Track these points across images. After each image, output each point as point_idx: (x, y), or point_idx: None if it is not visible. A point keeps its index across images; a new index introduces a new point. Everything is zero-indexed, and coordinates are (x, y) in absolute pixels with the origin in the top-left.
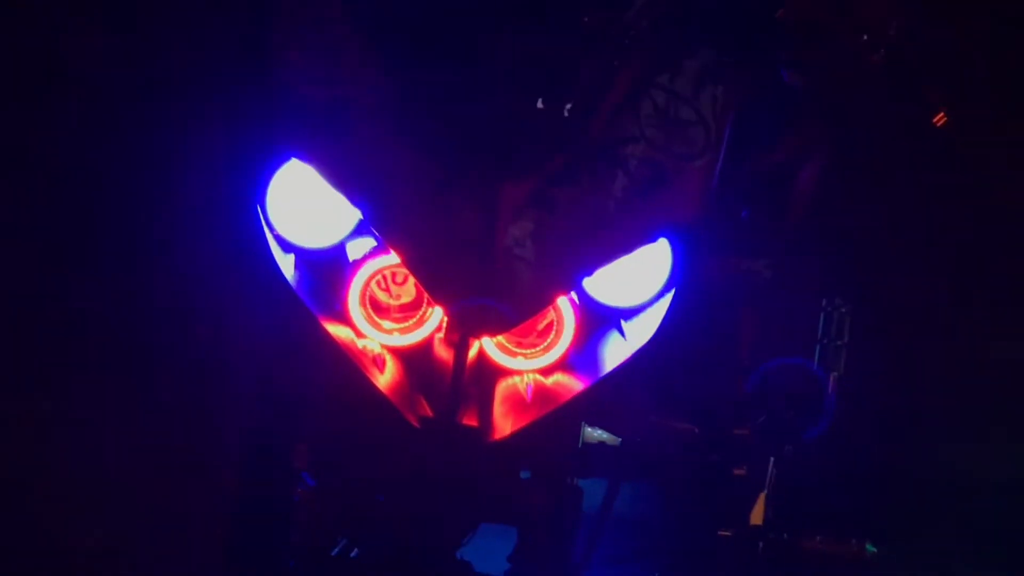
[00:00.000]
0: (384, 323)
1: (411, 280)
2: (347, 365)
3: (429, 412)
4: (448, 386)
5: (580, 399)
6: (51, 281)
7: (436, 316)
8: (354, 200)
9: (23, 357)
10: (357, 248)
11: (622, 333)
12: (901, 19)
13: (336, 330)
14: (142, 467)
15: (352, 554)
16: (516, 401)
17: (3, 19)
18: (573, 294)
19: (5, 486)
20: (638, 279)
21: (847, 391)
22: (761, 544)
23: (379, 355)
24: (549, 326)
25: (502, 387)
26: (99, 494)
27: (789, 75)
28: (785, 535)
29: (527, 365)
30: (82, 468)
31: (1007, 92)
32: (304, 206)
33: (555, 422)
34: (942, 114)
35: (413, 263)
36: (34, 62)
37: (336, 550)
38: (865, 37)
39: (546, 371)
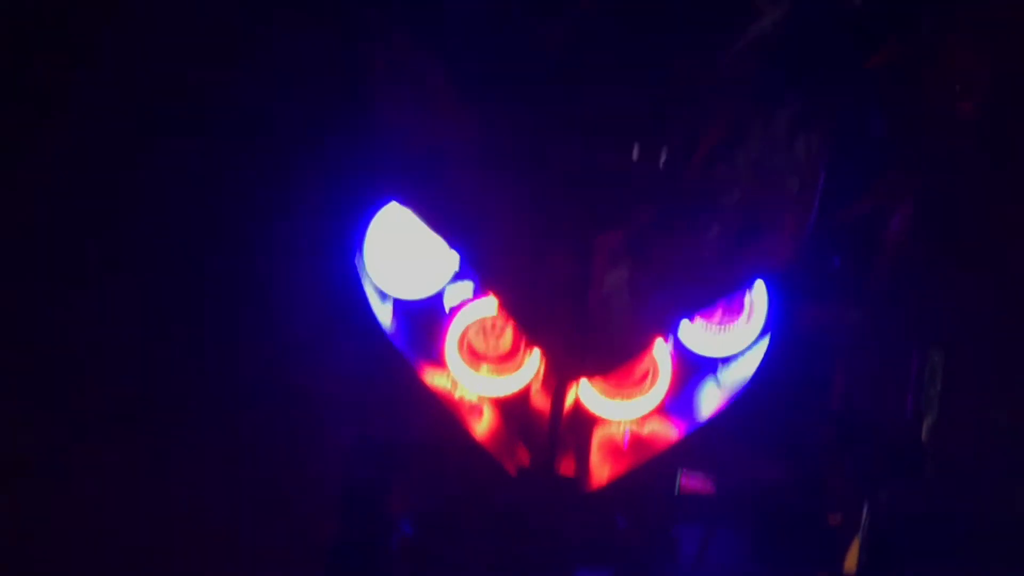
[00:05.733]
0: (482, 371)
1: (508, 330)
2: (444, 414)
3: (526, 461)
4: (545, 434)
5: (676, 447)
6: (151, 327)
7: (533, 364)
8: (453, 244)
9: (115, 402)
10: (454, 296)
11: (718, 381)
12: (992, 70)
13: (433, 379)
14: (240, 517)
15: None
16: (612, 449)
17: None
18: (670, 342)
19: (100, 535)
20: (733, 328)
21: (940, 438)
22: None
23: (476, 404)
24: (645, 374)
25: (598, 436)
26: (196, 544)
27: (878, 124)
28: None
29: (624, 414)
30: (177, 519)
31: None
32: (401, 255)
33: (651, 470)
34: None
35: (511, 307)
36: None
37: None
38: (956, 87)
39: (642, 420)
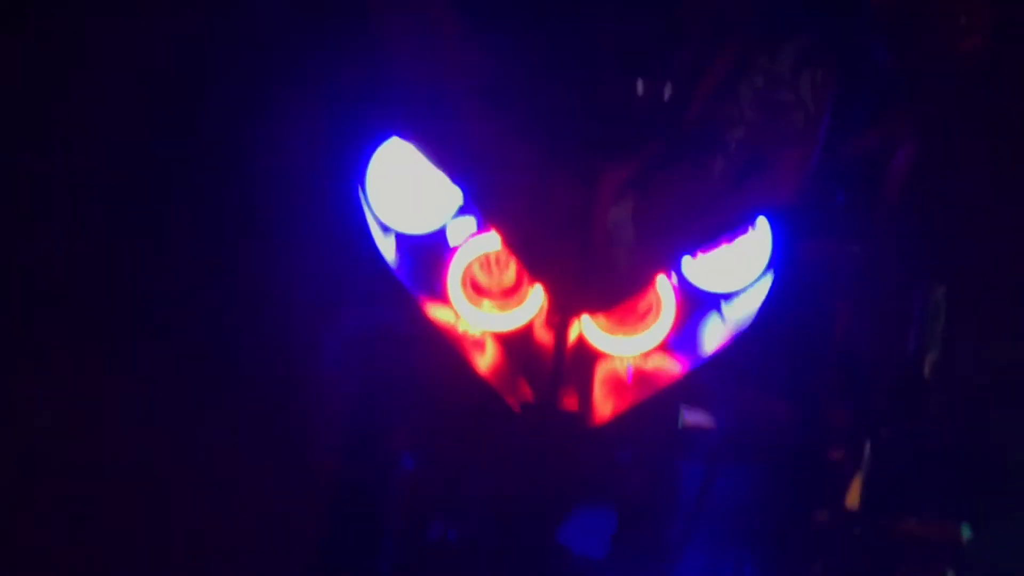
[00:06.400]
0: (484, 306)
1: (511, 264)
2: (447, 348)
3: (530, 396)
4: (549, 369)
5: (680, 383)
6: (150, 264)
7: (536, 298)
8: (456, 179)
9: (112, 336)
10: (457, 231)
11: (721, 316)
12: (996, 6)
13: (437, 313)
14: (242, 449)
15: (450, 536)
16: (616, 385)
17: None
18: (673, 278)
19: (100, 474)
20: (738, 263)
21: (944, 373)
22: (857, 528)
23: (480, 339)
24: (648, 309)
25: (602, 371)
26: (197, 480)
27: (884, 58)
28: (881, 518)
29: (627, 349)
30: (181, 453)
31: None
32: (404, 189)
33: (654, 406)
34: None
35: (514, 242)
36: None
37: (434, 532)
38: (962, 20)
39: (645, 355)
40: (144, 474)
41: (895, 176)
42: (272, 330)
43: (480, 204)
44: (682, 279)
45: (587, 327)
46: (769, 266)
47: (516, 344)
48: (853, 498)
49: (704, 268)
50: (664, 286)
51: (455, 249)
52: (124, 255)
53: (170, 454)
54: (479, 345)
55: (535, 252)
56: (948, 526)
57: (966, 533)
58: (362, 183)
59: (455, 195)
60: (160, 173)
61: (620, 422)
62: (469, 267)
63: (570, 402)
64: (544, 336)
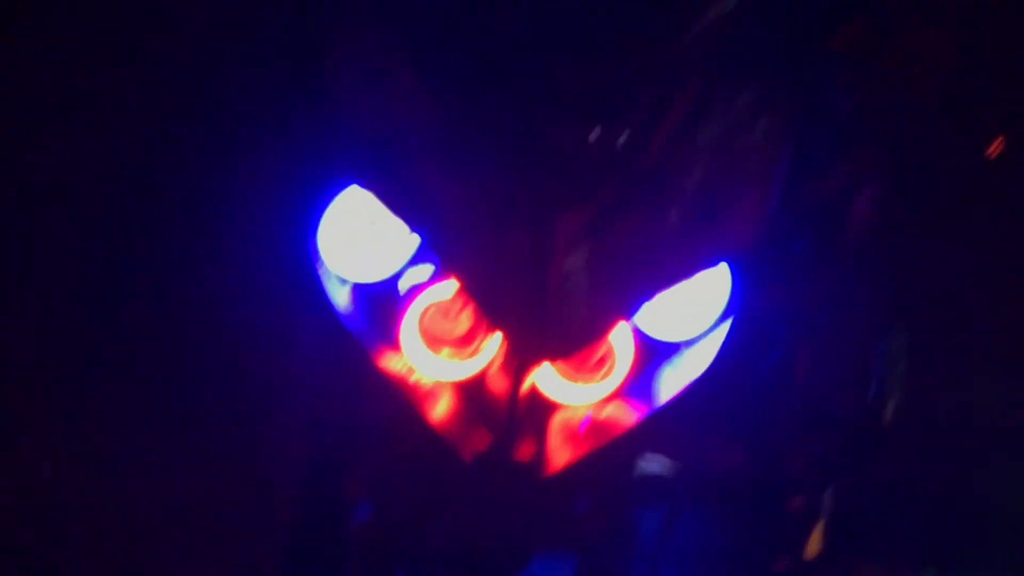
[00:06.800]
0: (439, 355)
1: (466, 312)
2: (400, 398)
3: (483, 446)
4: (503, 419)
5: (635, 430)
6: (107, 303)
7: (491, 347)
8: (413, 226)
9: (64, 386)
10: (411, 279)
11: (679, 363)
12: (955, 49)
13: (390, 363)
14: (192, 504)
15: None
16: (571, 434)
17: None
18: (630, 326)
19: (59, 512)
20: (695, 309)
21: (905, 421)
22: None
23: (433, 388)
24: (604, 358)
25: (557, 421)
26: (147, 531)
27: (844, 101)
28: (841, 566)
29: (582, 398)
30: (133, 502)
31: None
32: (360, 236)
33: (610, 454)
34: (998, 143)
35: (472, 289)
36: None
37: None
38: (919, 65)
39: (601, 404)
40: (99, 513)
41: (856, 222)
42: (221, 383)
43: (438, 251)
44: (637, 330)
45: (542, 376)
46: (727, 312)
47: (470, 393)
48: (814, 547)
49: (661, 317)
50: (621, 334)
51: (409, 298)
52: (81, 289)
53: (126, 498)
54: (432, 395)
55: (493, 299)
56: (909, 573)
57: None
58: (314, 234)
59: (412, 243)
60: (115, 216)
61: (575, 470)
62: (424, 315)
63: (524, 451)
64: (499, 385)
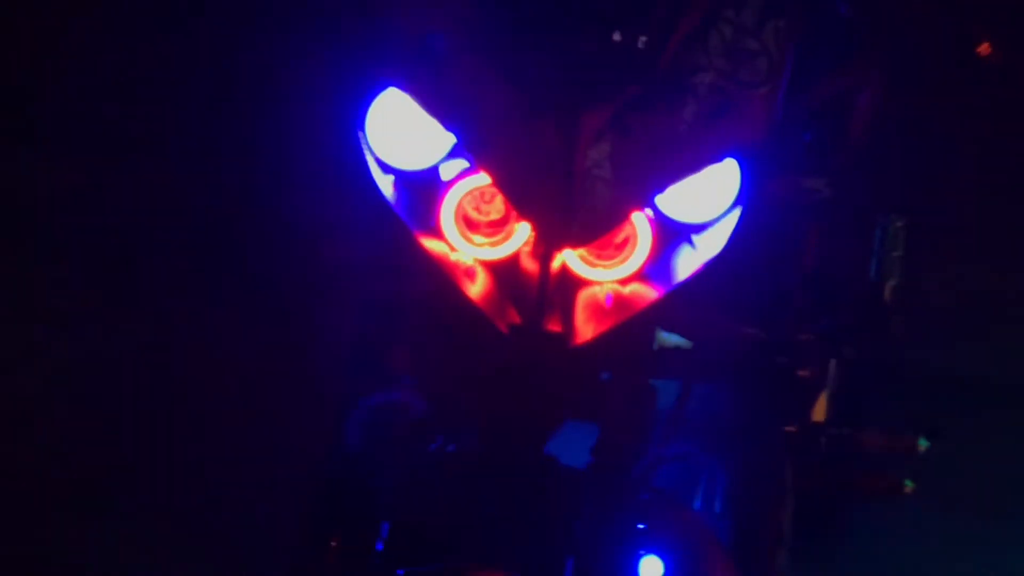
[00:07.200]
0: (475, 238)
1: (499, 198)
2: (441, 276)
3: (517, 319)
4: (534, 295)
5: (655, 307)
6: (157, 200)
7: (523, 231)
8: (448, 126)
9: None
10: (450, 170)
11: (693, 247)
12: None
13: (431, 244)
14: (251, 372)
15: (448, 449)
16: (596, 309)
17: None
18: (648, 211)
19: (116, 400)
20: (708, 197)
21: (902, 298)
22: (823, 439)
23: (470, 268)
24: (626, 240)
25: (583, 296)
26: (208, 403)
27: (846, 8)
28: (845, 430)
29: (606, 276)
30: (194, 375)
31: None
32: (401, 132)
33: (632, 328)
34: (986, 44)
35: (502, 181)
36: None
37: (434, 446)
38: None
39: (623, 282)
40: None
41: (859, 117)
42: (277, 264)
43: (470, 148)
44: (657, 212)
45: (569, 256)
46: (737, 201)
47: (504, 273)
48: (819, 412)
49: (676, 201)
50: (640, 219)
51: (448, 186)
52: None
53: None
54: (470, 274)
55: (521, 191)
56: (906, 437)
57: (922, 443)
58: (362, 128)
59: (448, 138)
60: (169, 127)
61: (600, 343)
62: (461, 202)
63: (554, 324)
64: (530, 265)
